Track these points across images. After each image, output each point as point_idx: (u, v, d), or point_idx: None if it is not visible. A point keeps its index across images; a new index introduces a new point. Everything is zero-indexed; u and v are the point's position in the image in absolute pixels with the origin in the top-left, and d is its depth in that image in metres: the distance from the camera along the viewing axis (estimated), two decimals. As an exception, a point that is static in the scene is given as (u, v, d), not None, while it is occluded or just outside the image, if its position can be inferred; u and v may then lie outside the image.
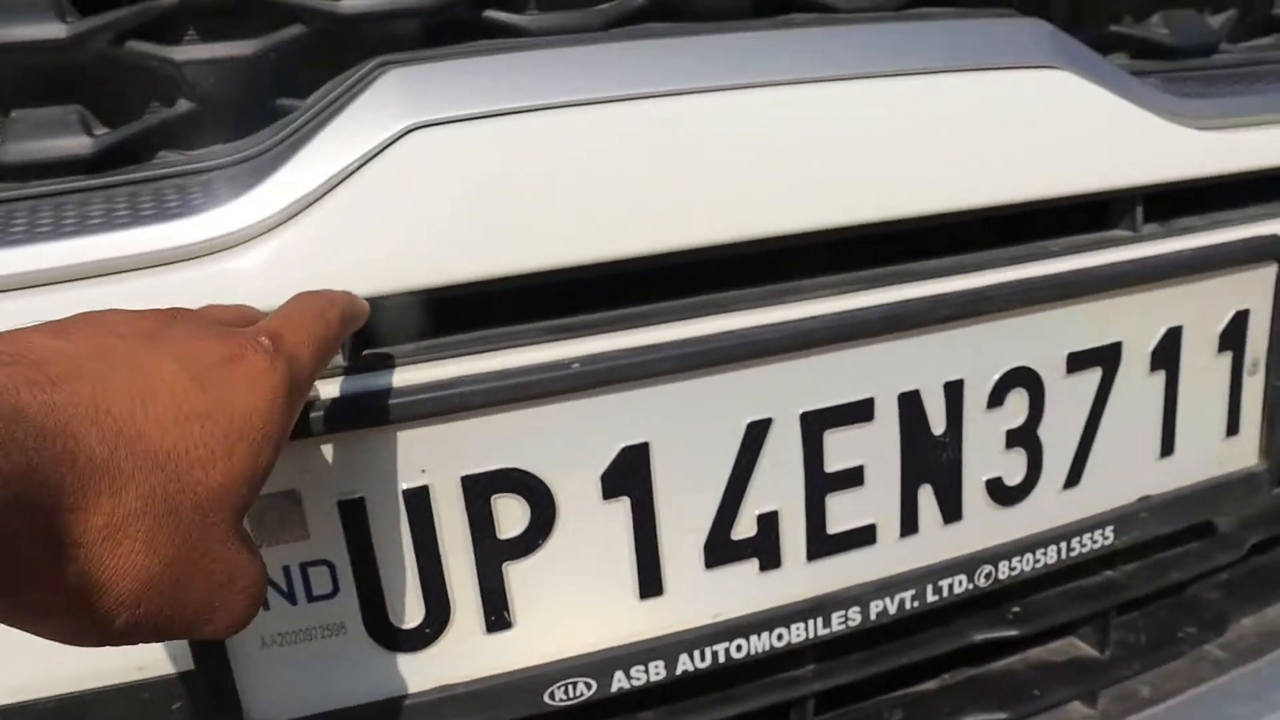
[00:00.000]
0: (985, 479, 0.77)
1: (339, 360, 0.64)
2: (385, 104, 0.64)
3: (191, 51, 0.67)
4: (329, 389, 0.63)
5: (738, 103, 0.68)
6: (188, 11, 0.67)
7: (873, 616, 0.76)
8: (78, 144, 0.67)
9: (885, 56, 0.72)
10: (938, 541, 0.76)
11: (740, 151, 0.68)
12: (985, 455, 0.76)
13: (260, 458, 0.46)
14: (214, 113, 0.69)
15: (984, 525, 0.77)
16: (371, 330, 0.64)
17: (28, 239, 0.62)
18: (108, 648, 0.42)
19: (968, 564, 0.77)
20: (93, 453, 0.38)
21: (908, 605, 0.76)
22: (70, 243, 0.62)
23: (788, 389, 0.69)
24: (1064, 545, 0.81)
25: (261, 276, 0.62)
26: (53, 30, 0.65)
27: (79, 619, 0.40)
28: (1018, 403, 0.76)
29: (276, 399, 0.47)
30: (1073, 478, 0.80)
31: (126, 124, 0.69)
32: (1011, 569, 0.79)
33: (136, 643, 0.43)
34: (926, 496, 0.75)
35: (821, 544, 0.73)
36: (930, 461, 0.74)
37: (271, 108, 0.69)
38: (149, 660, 0.66)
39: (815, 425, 0.70)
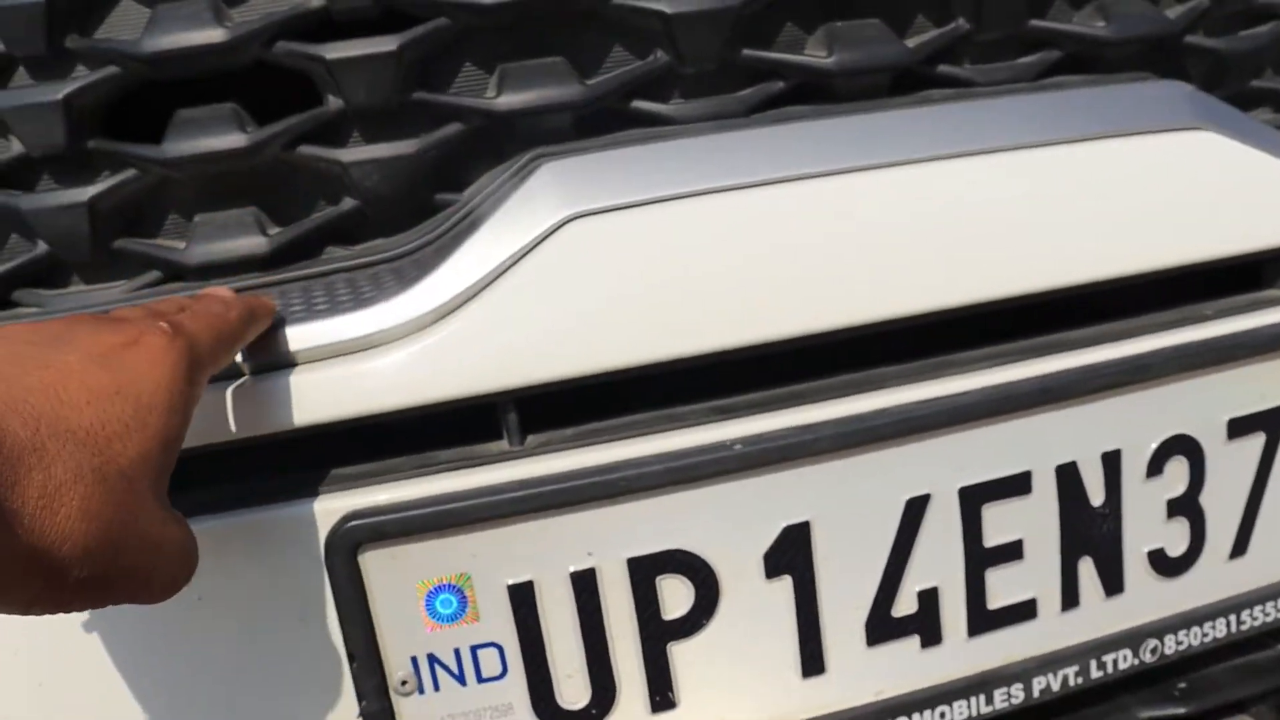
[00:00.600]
0: (1147, 550, 0.75)
1: (505, 446, 0.66)
2: (542, 196, 0.66)
3: (357, 153, 0.71)
4: (496, 475, 0.65)
5: (882, 181, 0.69)
6: (354, 115, 0.70)
7: (1035, 694, 0.74)
8: (254, 244, 0.72)
9: (1026, 128, 0.72)
10: (1100, 615, 0.75)
11: (887, 229, 0.68)
12: (1146, 526, 0.74)
13: (171, 425, 0.51)
14: (378, 209, 0.72)
15: (1147, 598, 0.76)
16: (535, 416, 0.66)
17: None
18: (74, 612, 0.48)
19: (1132, 638, 0.75)
20: (17, 436, 0.43)
21: (1071, 681, 0.75)
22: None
23: (945, 464, 0.69)
24: (1233, 617, 0.78)
25: (430, 365, 0.64)
26: (234, 140, 0.69)
27: (31, 585, 0.44)
28: (1178, 471, 0.75)
29: (177, 371, 0.53)
30: (1239, 547, 0.78)
31: (297, 222, 0.73)
32: (1178, 643, 0.77)
33: (85, 607, 0.48)
34: (1087, 569, 0.74)
35: (982, 619, 0.72)
36: (1090, 533, 0.73)
37: (432, 202, 0.73)
38: (327, 736, 0.68)
39: (973, 500, 0.70)
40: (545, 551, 0.64)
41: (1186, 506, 0.75)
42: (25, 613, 0.46)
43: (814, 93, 0.76)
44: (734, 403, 0.68)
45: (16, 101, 0.68)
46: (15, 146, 0.70)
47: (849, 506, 0.67)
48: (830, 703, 0.70)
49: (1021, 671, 0.73)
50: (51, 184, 0.72)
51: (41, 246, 0.72)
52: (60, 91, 0.68)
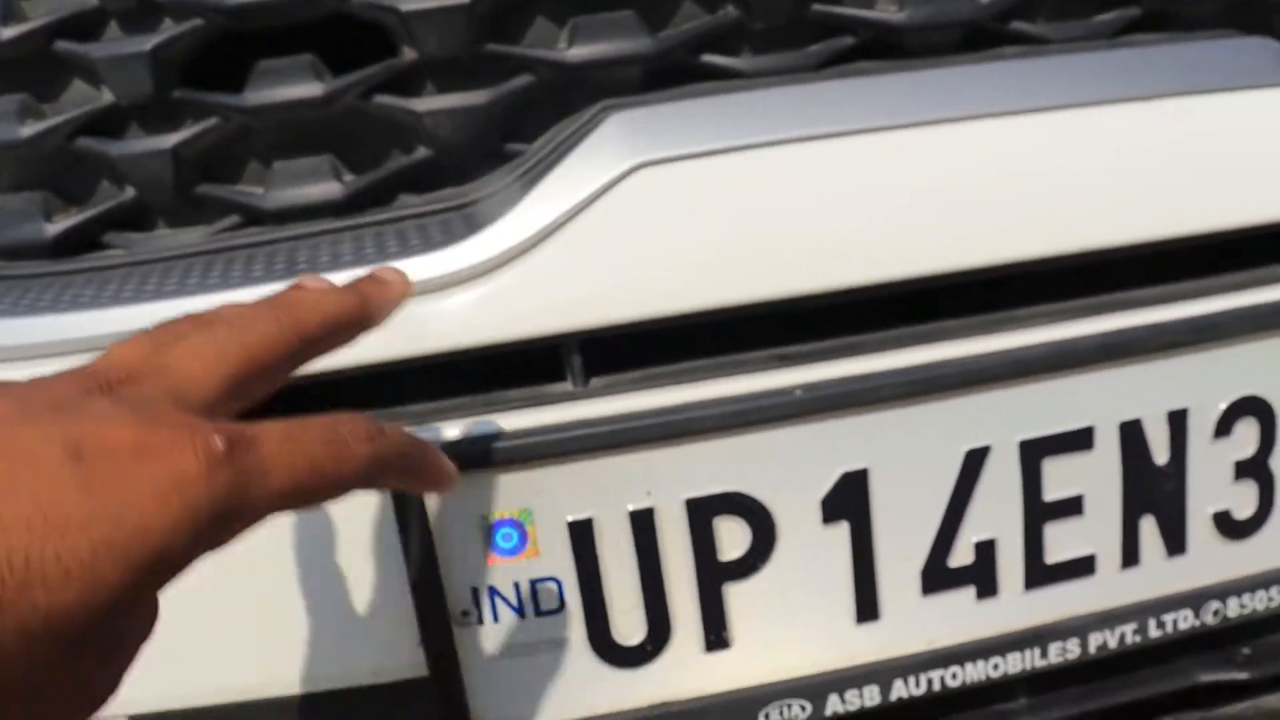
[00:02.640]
0: (1212, 511, 0.74)
1: (569, 387, 0.67)
2: (610, 145, 0.67)
3: (430, 102, 0.73)
4: (560, 414, 0.66)
5: (950, 136, 0.69)
6: (427, 66, 0.72)
7: (1092, 650, 0.74)
8: (330, 190, 0.74)
9: (1105, 84, 0.71)
10: (1161, 575, 0.74)
11: (957, 182, 0.68)
12: (1212, 487, 0.73)
13: (140, 586, 0.36)
14: (450, 157, 0.74)
15: (1211, 559, 0.75)
16: (600, 358, 0.68)
17: (287, 275, 0.68)
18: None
19: (1194, 599, 0.75)
20: None
21: (1128, 640, 0.74)
22: (324, 278, 0.67)
23: (1006, 417, 0.69)
24: (1301, 582, 0.77)
25: (496, 306, 0.66)
26: (311, 89, 0.71)
27: None
28: (1247, 432, 0.73)
29: (191, 521, 0.36)
30: (1309, 511, 0.76)
31: (371, 170, 0.75)
32: (1242, 606, 0.76)
33: None
34: (1149, 528, 0.73)
35: (1039, 573, 0.72)
36: (1153, 492, 0.72)
37: (502, 151, 0.74)
38: (386, 666, 0.71)
39: (1034, 453, 0.69)
40: (605, 490, 0.66)
41: (1255, 469, 0.74)
42: None
43: (884, 49, 0.76)
44: (796, 350, 0.69)
45: (108, 52, 0.71)
46: (106, 96, 0.73)
47: (908, 456, 0.67)
48: (883, 649, 0.71)
49: (1078, 627, 0.73)
50: (138, 132, 0.75)
51: (129, 191, 0.75)
52: (149, 43, 0.71)
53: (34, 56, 0.72)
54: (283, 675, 0.68)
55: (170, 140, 0.73)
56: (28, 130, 0.73)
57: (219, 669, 0.69)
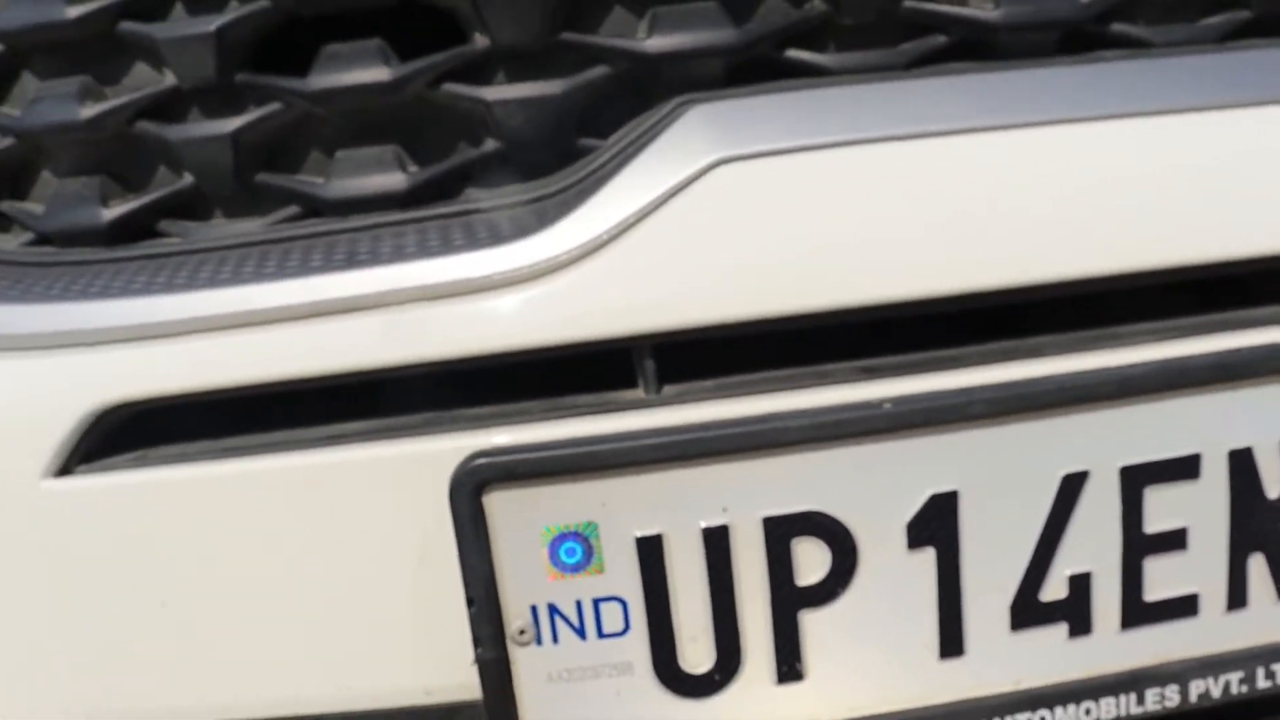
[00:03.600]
0: (1328, 551, 0.69)
1: (641, 394, 0.64)
2: (691, 139, 0.64)
3: (501, 92, 0.70)
4: (630, 422, 0.63)
5: (1043, 139, 0.65)
6: (499, 54, 0.69)
7: (1193, 698, 0.69)
8: (394, 181, 0.71)
9: (1210, 88, 0.67)
10: (1270, 619, 0.69)
11: (1051, 188, 0.64)
12: (1328, 524, 0.68)
13: None
14: (520, 151, 0.71)
15: (1326, 604, 0.70)
16: (674, 364, 0.64)
17: (347, 266, 0.65)
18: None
19: (1305, 647, 0.70)
20: None
21: (1234, 689, 0.69)
22: (386, 270, 0.65)
23: (1107, 441, 0.64)
24: None
25: (567, 306, 0.63)
26: (378, 74, 0.69)
27: None
28: (1367, 467, 0.68)
29: None
30: None
31: (437, 162, 0.72)
32: (1358, 655, 0.70)
33: None
34: (1258, 566, 0.68)
35: (1137, 612, 0.67)
36: (1263, 528, 0.67)
37: (574, 147, 0.71)
38: (437, 686, 0.67)
39: (1136, 481, 0.65)
40: (677, 504, 0.62)
41: (1374, 507, 0.69)
42: None
43: (977, 49, 0.72)
44: (883, 363, 0.65)
45: (173, 33, 0.69)
46: (168, 79, 0.71)
47: (1001, 479, 0.63)
48: (967, 688, 0.66)
49: (1179, 672, 0.68)
50: (199, 116, 0.72)
51: (187, 178, 0.73)
52: (214, 24, 0.69)
53: (97, 37, 0.71)
54: (330, 691, 0.66)
55: (231, 125, 0.71)
56: (88, 112, 0.71)
57: (268, 682, 0.66)
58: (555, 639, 0.64)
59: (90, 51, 0.72)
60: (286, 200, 0.73)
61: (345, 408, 0.66)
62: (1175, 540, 0.67)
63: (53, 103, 0.72)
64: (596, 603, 0.63)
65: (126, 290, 0.67)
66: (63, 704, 0.69)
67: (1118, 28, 0.73)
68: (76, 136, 0.72)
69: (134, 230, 0.74)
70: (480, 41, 0.69)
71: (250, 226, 0.73)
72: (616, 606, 0.63)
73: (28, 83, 0.75)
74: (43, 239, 0.76)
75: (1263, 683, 0.69)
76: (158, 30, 0.70)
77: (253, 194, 0.73)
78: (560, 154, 0.71)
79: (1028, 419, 0.63)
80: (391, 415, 0.65)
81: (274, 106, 0.70)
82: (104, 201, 0.73)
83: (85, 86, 0.72)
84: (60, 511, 0.65)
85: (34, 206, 0.76)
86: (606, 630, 0.64)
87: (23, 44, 0.72)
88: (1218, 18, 0.73)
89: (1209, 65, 0.70)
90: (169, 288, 0.66)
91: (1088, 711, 0.68)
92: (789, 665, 0.64)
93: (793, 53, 0.70)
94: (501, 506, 0.61)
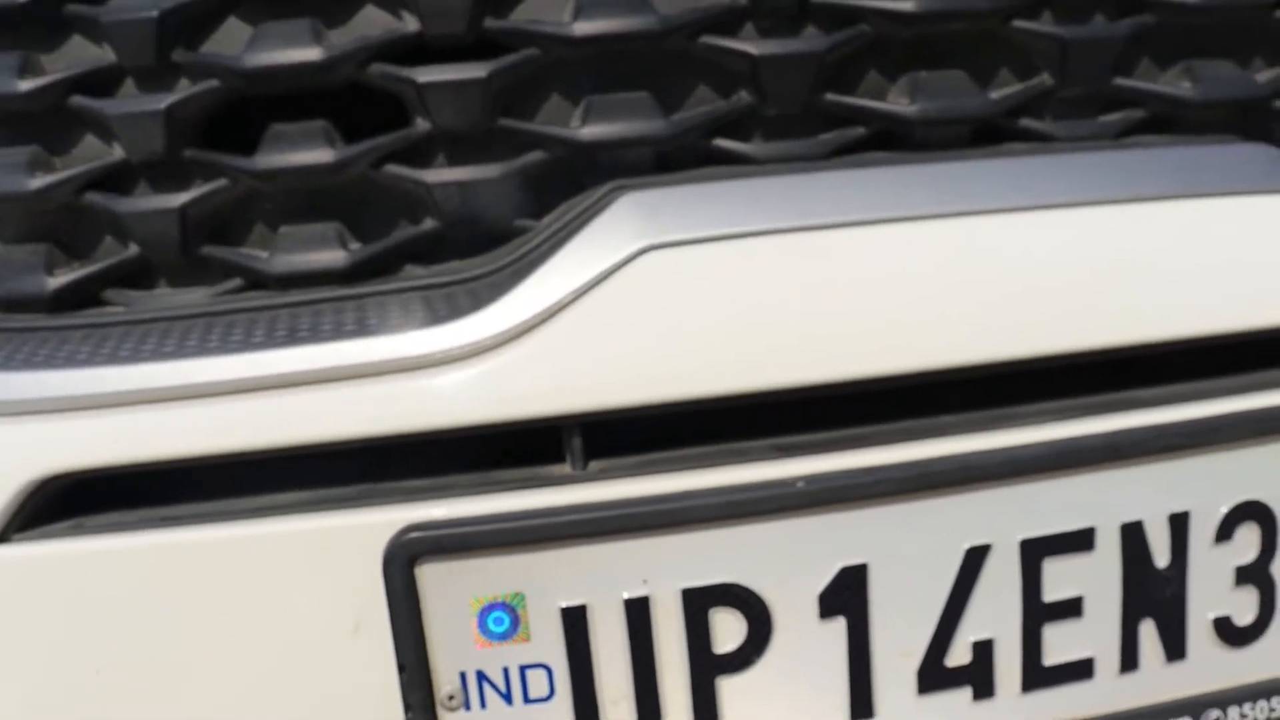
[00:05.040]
0: (1212, 617, 0.73)
1: (567, 469, 0.67)
2: (621, 225, 0.67)
3: (441, 174, 0.73)
4: (556, 497, 0.65)
5: (955, 230, 0.69)
6: (440, 138, 0.72)
7: (1089, 756, 0.73)
8: (335, 257, 0.73)
9: (1107, 184, 0.72)
10: (1160, 680, 0.73)
11: (959, 277, 0.68)
12: (1213, 592, 0.73)
13: None
14: (458, 231, 0.74)
15: (1211, 666, 0.74)
16: (599, 442, 0.67)
17: (288, 342, 0.67)
18: None
19: (1192, 707, 0.73)
20: None
21: (1127, 747, 0.73)
22: (325, 347, 0.67)
23: (1007, 516, 0.68)
24: (1300, 693, 0.76)
25: (499, 385, 0.65)
26: (323, 155, 0.71)
27: None
28: (1248, 538, 0.73)
29: None
30: (1309, 621, 0.76)
31: (378, 240, 0.74)
32: (1242, 715, 0.74)
33: None
34: (1148, 632, 0.72)
35: (1037, 675, 0.71)
36: (1153, 595, 0.71)
37: (510, 227, 0.74)
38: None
39: (1034, 553, 0.69)
40: (601, 576, 0.65)
41: (1256, 574, 0.74)
42: None
43: (895, 140, 0.76)
44: (796, 441, 0.68)
45: (123, 109, 0.71)
46: (117, 152, 0.73)
47: (908, 551, 0.67)
48: (877, 750, 0.69)
49: (1076, 733, 0.72)
50: (146, 189, 0.74)
51: (133, 248, 0.75)
52: (164, 101, 0.71)
53: (49, 110, 0.72)
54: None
55: (178, 199, 0.73)
56: (37, 183, 0.73)
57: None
58: (483, 704, 0.66)
59: (41, 123, 0.73)
60: (231, 273, 0.75)
61: (281, 477, 0.68)
62: (1072, 608, 0.70)
63: (2, 172, 0.73)
64: (523, 669, 0.66)
65: (70, 360, 0.68)
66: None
67: (1026, 123, 0.78)
68: (24, 206, 0.74)
69: (78, 298, 0.75)
70: (422, 125, 0.72)
71: (194, 297, 0.75)
72: (542, 673, 0.66)
73: (-27, 149, 0.77)
74: (-15, 304, 0.77)
75: (1153, 742, 0.73)
76: (109, 106, 0.72)
77: (198, 265, 0.75)
78: (497, 234, 0.74)
79: (932, 495, 0.66)
80: (325, 486, 0.67)
81: (221, 182, 0.73)
82: (49, 270, 0.75)
83: (35, 157, 0.73)
84: (-3, 577, 0.67)
85: (-24, 272, 0.78)
86: (532, 696, 0.66)
87: (-29, 114, 0.74)
88: (1116, 115, 0.79)
89: (1107, 161, 0.75)
90: (113, 359, 0.68)
91: (991, 770, 0.71)
92: (707, 729, 0.67)
93: (720, 141, 0.74)
94: (433, 577, 0.64)
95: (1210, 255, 0.71)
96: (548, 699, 0.66)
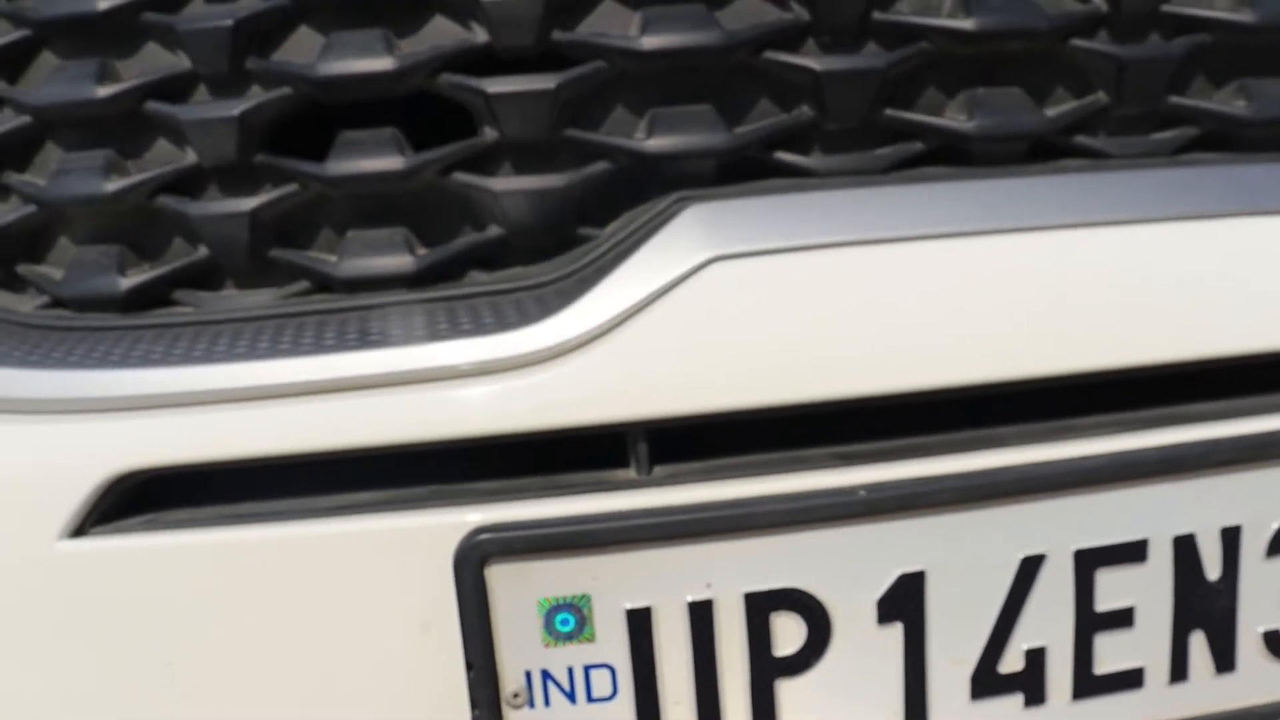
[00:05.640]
0: (1262, 630, 0.74)
1: (633, 474, 0.68)
2: (688, 236, 0.69)
3: (507, 183, 0.74)
4: (623, 502, 0.67)
5: (1015, 244, 0.70)
6: (507, 147, 0.74)
7: (1137, 765, 0.74)
8: (402, 262, 0.75)
9: (1163, 201, 0.73)
10: (1209, 692, 0.74)
11: (1017, 291, 0.70)
12: (1263, 606, 0.73)
13: None
14: (522, 238, 0.75)
15: (1260, 679, 0.75)
16: (664, 447, 0.68)
17: (359, 346, 0.69)
18: None
19: (1241, 718, 0.75)
20: None
21: (1175, 756, 0.74)
22: (399, 351, 0.68)
23: (1062, 526, 0.69)
24: (1349, 708, 0.77)
25: (566, 391, 0.67)
26: (392, 163, 0.73)
27: None
28: (1298, 553, 0.74)
29: None
30: (1358, 635, 0.76)
31: (444, 245, 0.76)
32: (1289, 728, 0.76)
33: None
34: (1198, 643, 0.73)
35: (1088, 684, 0.72)
36: (1203, 608, 0.72)
37: (573, 235, 0.75)
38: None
39: (1088, 564, 0.70)
40: (665, 579, 0.66)
41: (1305, 589, 0.75)
42: None
43: (951, 155, 0.77)
44: (857, 450, 0.69)
45: (197, 115, 0.73)
46: (189, 156, 0.75)
47: (965, 560, 0.68)
48: (930, 754, 0.71)
49: (1126, 741, 0.73)
50: (217, 193, 0.76)
51: (202, 251, 0.76)
52: (237, 108, 0.73)
53: (124, 115, 0.74)
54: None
55: (249, 204, 0.74)
56: (111, 186, 0.74)
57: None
58: (547, 702, 0.68)
59: (115, 128, 0.75)
60: (298, 275, 0.77)
61: (354, 477, 0.70)
62: (1123, 618, 0.72)
63: (78, 175, 0.75)
64: (587, 669, 0.67)
65: (145, 360, 0.70)
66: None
67: (1081, 139, 0.79)
68: (99, 208, 0.76)
69: (148, 298, 0.77)
70: (490, 134, 0.73)
71: (261, 299, 0.77)
72: (606, 673, 0.67)
73: (50, 151, 0.78)
74: (57, 303, 0.79)
75: (1202, 752, 0.74)
76: (183, 112, 0.74)
77: (266, 267, 0.77)
78: (560, 242, 0.76)
79: (990, 505, 0.68)
80: (398, 486, 0.69)
81: (291, 187, 0.74)
82: (122, 270, 0.77)
83: (110, 161, 0.75)
84: (73, 571, 0.68)
85: (51, 271, 0.79)
86: (596, 695, 0.67)
87: (51, 118, 0.76)
88: (1170, 133, 0.80)
89: (1162, 179, 0.76)
90: (187, 359, 0.70)
91: (1041, 777, 0.73)
92: (765, 730, 0.69)
93: (780, 154, 0.76)
94: (502, 578, 0.65)
95: (1266, 272, 0.72)
96: (610, 698, 0.67)
